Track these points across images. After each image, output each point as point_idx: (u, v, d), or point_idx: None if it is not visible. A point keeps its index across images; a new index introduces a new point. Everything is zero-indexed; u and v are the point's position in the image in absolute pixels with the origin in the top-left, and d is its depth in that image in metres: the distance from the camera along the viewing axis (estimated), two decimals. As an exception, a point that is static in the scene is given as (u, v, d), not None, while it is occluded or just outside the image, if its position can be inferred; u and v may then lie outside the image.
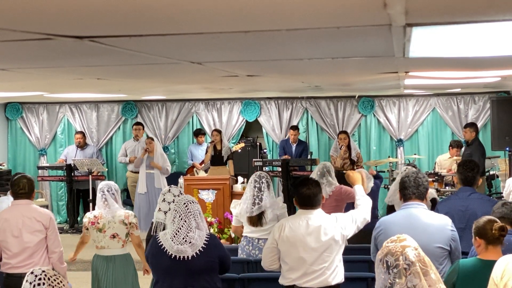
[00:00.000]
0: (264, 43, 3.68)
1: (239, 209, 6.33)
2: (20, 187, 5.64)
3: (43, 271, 2.96)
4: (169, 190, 5.45)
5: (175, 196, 5.36)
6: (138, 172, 11.32)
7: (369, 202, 4.94)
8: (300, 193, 4.62)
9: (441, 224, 4.54)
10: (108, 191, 6.16)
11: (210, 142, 11.55)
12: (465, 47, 4.19)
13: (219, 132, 11.59)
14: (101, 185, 6.21)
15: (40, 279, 2.93)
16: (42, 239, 5.63)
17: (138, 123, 12.53)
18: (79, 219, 12.69)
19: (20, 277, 5.07)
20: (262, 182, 6.17)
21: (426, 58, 4.96)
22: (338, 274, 4.60)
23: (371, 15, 2.68)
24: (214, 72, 5.83)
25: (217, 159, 11.40)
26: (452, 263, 4.44)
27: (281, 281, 4.68)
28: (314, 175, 6.81)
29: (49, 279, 2.94)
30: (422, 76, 7.20)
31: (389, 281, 2.83)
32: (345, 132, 11.49)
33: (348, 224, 4.63)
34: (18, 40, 3.16)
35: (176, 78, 6.73)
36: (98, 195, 6.18)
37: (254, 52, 4.24)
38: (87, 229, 6.24)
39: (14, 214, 5.60)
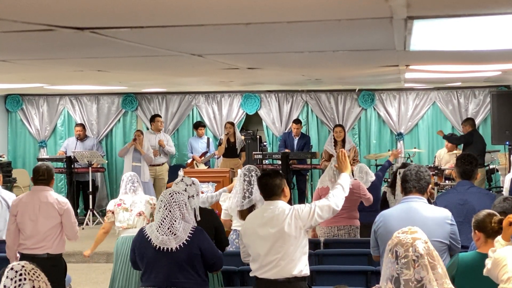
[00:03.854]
0: (265, 36, 3.68)
1: (229, 203, 6.35)
2: (40, 173, 6.01)
3: (23, 266, 2.95)
4: (182, 179, 5.44)
5: (187, 185, 5.33)
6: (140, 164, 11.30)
7: (344, 193, 4.76)
8: (259, 183, 4.72)
9: (441, 218, 4.53)
10: (133, 181, 6.59)
11: (225, 135, 11.62)
12: (466, 41, 4.18)
13: (233, 124, 11.71)
14: (128, 176, 6.66)
15: (21, 274, 2.93)
16: (56, 224, 5.96)
17: (158, 115, 12.46)
18: (78, 211, 12.71)
19: (33, 258, 5.61)
20: (252, 176, 6.18)
21: (427, 51, 4.96)
22: (296, 266, 4.49)
23: (372, 7, 2.68)
24: (215, 65, 5.83)
25: (230, 151, 11.49)
26: (451, 257, 4.44)
27: (250, 272, 4.72)
28: (331, 167, 6.82)
29: (28, 273, 2.94)
30: (423, 70, 7.19)
31: (397, 271, 2.88)
32: (340, 126, 11.12)
33: (304, 215, 4.51)
34: (19, 31, 3.16)
35: (176, 70, 6.73)
36: (126, 185, 6.58)
37: (255, 45, 4.23)
38: (112, 212, 6.49)
39: (32, 199, 5.96)
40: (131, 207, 6.44)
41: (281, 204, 4.58)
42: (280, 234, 4.47)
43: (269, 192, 4.60)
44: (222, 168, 10.62)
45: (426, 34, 3.68)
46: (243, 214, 6.16)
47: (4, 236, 6.44)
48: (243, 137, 12.15)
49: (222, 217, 6.60)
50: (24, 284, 2.89)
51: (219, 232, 5.46)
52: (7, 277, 2.92)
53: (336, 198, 4.67)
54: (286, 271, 4.46)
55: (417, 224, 4.15)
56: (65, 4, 2.46)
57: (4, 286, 2.91)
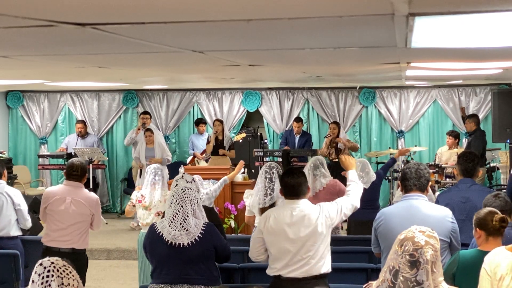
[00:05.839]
0: (266, 32, 3.67)
1: (251, 200, 6.34)
2: (74, 169, 6.05)
3: (52, 263, 2.95)
4: (182, 176, 5.44)
5: (187, 182, 5.32)
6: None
7: (359, 188, 4.87)
8: (285, 183, 4.60)
9: (441, 216, 4.54)
10: (157, 174, 6.62)
11: (213, 133, 11.53)
12: (468, 38, 4.18)
13: (221, 122, 11.60)
14: (152, 168, 6.70)
15: (49, 270, 2.93)
16: (83, 220, 6.02)
17: (146, 112, 12.47)
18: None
19: (58, 251, 5.77)
20: (273, 173, 6.17)
21: (429, 48, 4.95)
22: (324, 264, 4.52)
23: (373, 4, 2.68)
24: (216, 61, 5.83)
25: (218, 149, 11.39)
26: (451, 255, 4.44)
27: (268, 271, 4.65)
28: (307, 167, 6.91)
29: (58, 270, 2.94)
30: (424, 67, 7.19)
31: (399, 264, 2.88)
32: (335, 123, 11.75)
33: (333, 213, 4.56)
34: (20, 26, 3.16)
35: (177, 67, 6.73)
36: (148, 176, 6.63)
37: (256, 41, 4.23)
38: (134, 205, 6.63)
39: (64, 193, 6.02)
40: (150, 206, 6.52)
41: (307, 203, 4.59)
42: (313, 233, 4.47)
43: (297, 191, 4.56)
44: (223, 165, 10.61)
45: (427, 31, 3.67)
46: (264, 211, 6.15)
47: (11, 233, 6.51)
48: (242, 136, 12.12)
49: (246, 214, 6.60)
50: (52, 280, 2.89)
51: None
52: (35, 272, 2.93)
53: (356, 196, 4.78)
54: (316, 269, 4.47)
55: (418, 222, 4.16)
56: (66, 0, 2.46)
57: (33, 281, 2.92)
